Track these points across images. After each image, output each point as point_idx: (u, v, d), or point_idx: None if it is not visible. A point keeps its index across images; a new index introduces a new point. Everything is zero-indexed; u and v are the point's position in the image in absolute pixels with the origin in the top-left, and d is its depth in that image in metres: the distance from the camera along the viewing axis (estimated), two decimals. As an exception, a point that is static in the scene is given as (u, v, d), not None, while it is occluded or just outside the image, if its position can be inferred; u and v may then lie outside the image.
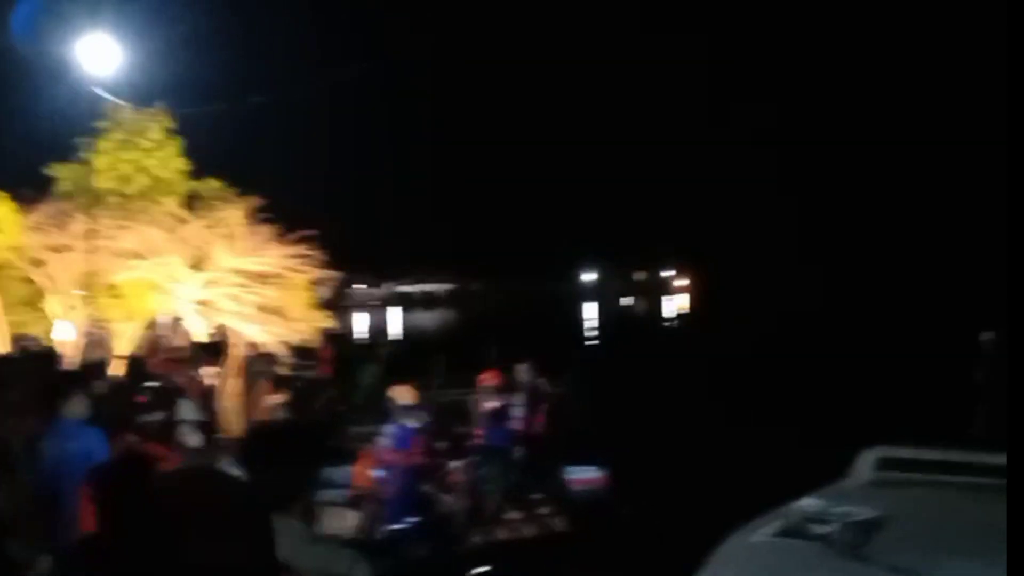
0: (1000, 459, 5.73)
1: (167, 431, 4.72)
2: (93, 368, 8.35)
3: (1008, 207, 3.33)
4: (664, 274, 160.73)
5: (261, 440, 3.05)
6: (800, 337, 35.12)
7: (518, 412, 11.50)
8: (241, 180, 19.97)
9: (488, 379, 11.74)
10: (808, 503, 5.10)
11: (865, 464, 5.73)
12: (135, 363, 11.05)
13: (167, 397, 4.86)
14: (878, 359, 24.10)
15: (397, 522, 9.66)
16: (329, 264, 20.04)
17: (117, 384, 7.33)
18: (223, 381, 18.32)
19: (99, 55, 15.94)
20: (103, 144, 18.45)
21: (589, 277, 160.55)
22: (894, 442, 5.94)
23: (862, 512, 4.76)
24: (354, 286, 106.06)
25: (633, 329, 59.78)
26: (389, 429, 9.78)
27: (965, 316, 19.18)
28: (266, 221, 19.35)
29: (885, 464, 5.70)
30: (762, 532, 4.81)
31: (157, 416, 4.55)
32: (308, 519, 2.97)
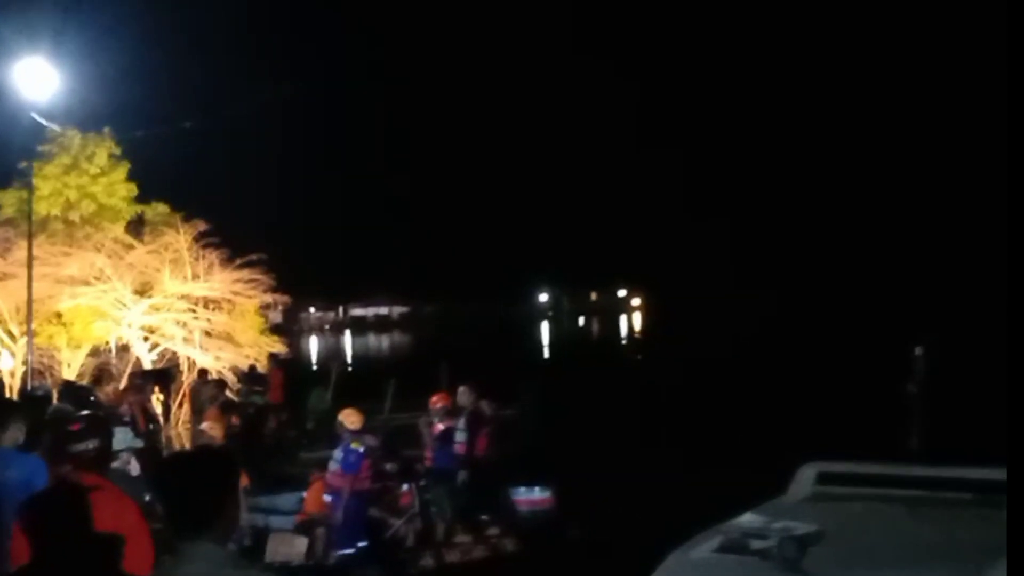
0: (933, 471, 5.87)
1: (101, 459, 4.64)
2: (34, 396, 8.20)
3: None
4: (619, 294, 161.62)
5: (172, 467, 3.06)
6: (744, 357, 35.54)
7: (460, 436, 11.46)
8: (187, 205, 19.88)
9: (438, 401, 11.70)
10: (747, 519, 5.17)
11: (804, 479, 5.81)
12: (72, 390, 10.83)
13: (101, 425, 4.78)
14: (816, 376, 24.47)
15: (347, 547, 9.59)
16: (278, 289, 20.00)
17: (54, 411, 7.21)
18: (172, 408, 18.15)
19: (38, 80, 15.70)
20: (48, 169, 18.24)
21: (544, 298, 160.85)
22: (832, 457, 6.04)
23: (800, 527, 4.83)
24: (309, 310, 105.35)
25: (586, 350, 59.99)
26: (338, 453, 9.72)
27: (897, 331, 19.64)
28: (213, 246, 19.27)
29: (823, 479, 5.79)
30: (703, 548, 4.87)
31: (91, 444, 4.47)
32: (224, 543, 2.96)
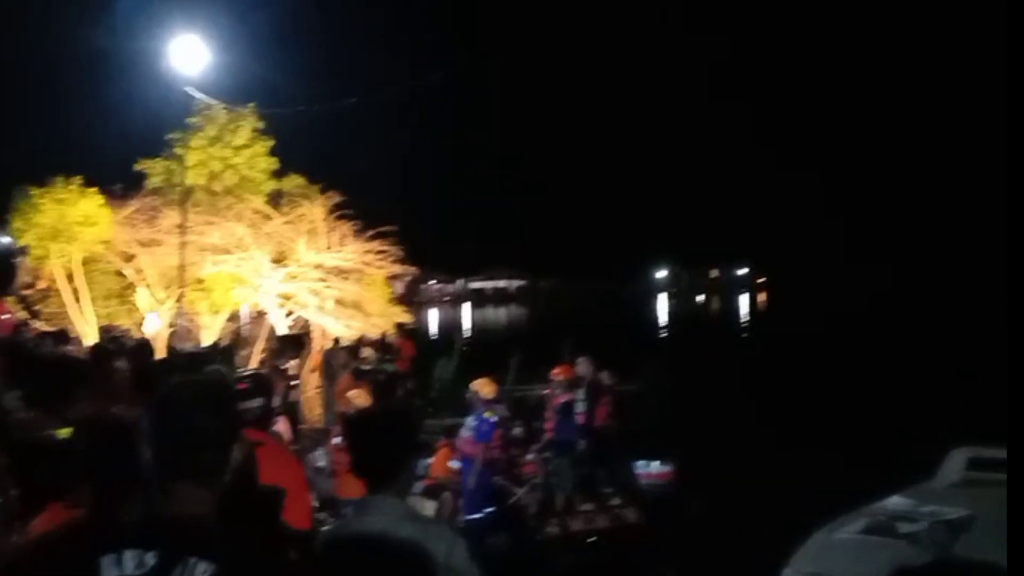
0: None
1: (265, 417, 4.88)
2: (194, 355, 8.67)
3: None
4: (739, 272, 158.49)
5: (361, 424, 3.19)
6: (876, 336, 34.43)
7: (580, 406, 11.55)
8: (322, 177, 20.46)
9: (560, 374, 11.81)
10: (895, 502, 5.08)
11: (954, 464, 5.66)
12: (226, 352, 11.40)
13: (266, 384, 5.01)
14: (959, 352, 23.49)
15: (474, 512, 9.79)
16: (405, 260, 20.41)
17: (211, 372, 7.60)
18: (305, 373, 18.80)
19: (190, 56, 16.48)
20: (195, 141, 19.08)
21: (662, 274, 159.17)
22: (982, 442, 5.85)
23: (950, 512, 4.73)
24: (429, 282, 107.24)
25: (707, 326, 59.19)
26: (471, 421, 9.90)
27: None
28: (345, 218, 19.80)
29: (974, 464, 5.62)
30: (848, 529, 4.81)
31: (257, 402, 4.70)
32: (404, 498, 3.09)
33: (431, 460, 10.76)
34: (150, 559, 2.06)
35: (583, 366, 11.97)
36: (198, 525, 2.14)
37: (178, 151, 18.53)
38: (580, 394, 11.61)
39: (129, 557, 2.07)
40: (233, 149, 19.13)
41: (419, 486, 10.54)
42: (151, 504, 2.12)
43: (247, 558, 2.10)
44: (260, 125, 19.50)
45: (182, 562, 2.06)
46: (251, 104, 19.45)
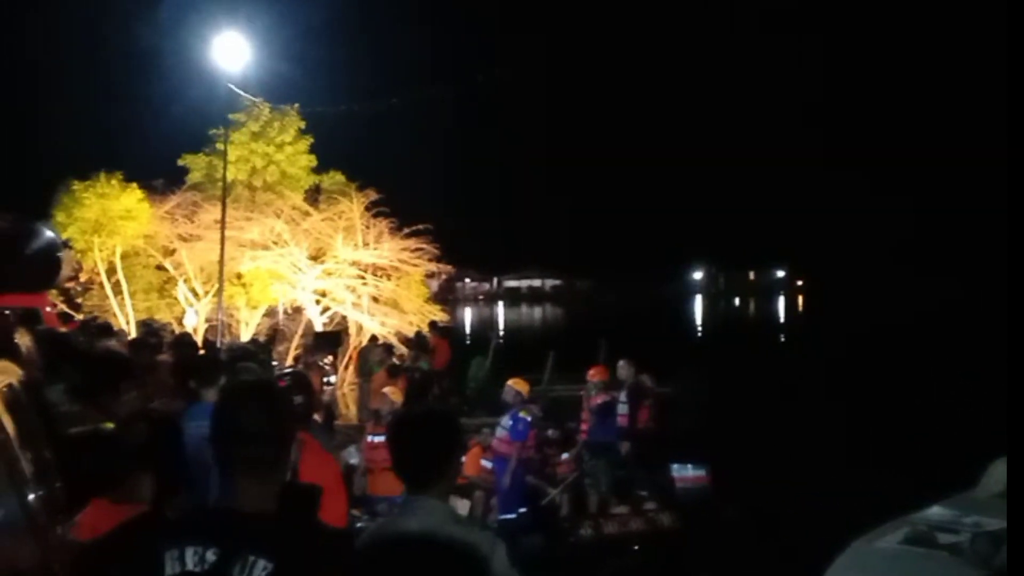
0: None
1: (305, 415, 4.92)
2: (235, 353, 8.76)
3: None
4: (778, 274, 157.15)
5: (406, 424, 3.20)
6: (915, 343, 33.98)
7: (622, 408, 11.49)
8: (360, 174, 20.64)
9: (596, 375, 11.75)
10: (936, 512, 5.00)
11: (996, 474, 5.55)
12: (264, 347, 11.50)
13: (306, 382, 5.05)
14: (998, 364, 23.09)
15: (508, 512, 9.78)
16: (441, 258, 20.53)
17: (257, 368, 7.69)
18: (341, 369, 18.93)
19: (233, 53, 16.68)
20: (237, 136, 19.31)
21: (698, 276, 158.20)
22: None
23: (993, 523, 4.64)
24: (464, 281, 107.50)
25: (744, 330, 58.76)
26: (506, 420, 9.89)
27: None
28: (382, 215, 19.96)
29: (1018, 475, 5.52)
30: (889, 539, 4.74)
31: (297, 399, 4.74)
32: (446, 500, 3.09)
33: (464, 458, 10.76)
34: (211, 555, 2.09)
35: (624, 369, 11.90)
36: (258, 522, 2.16)
37: (219, 145, 18.76)
38: (622, 396, 11.54)
39: (190, 553, 2.10)
40: (275, 146, 19.33)
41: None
42: (209, 499, 2.15)
43: (305, 556, 2.12)
44: (303, 124, 19.72)
45: (242, 559, 2.08)
46: (296, 104, 19.67)
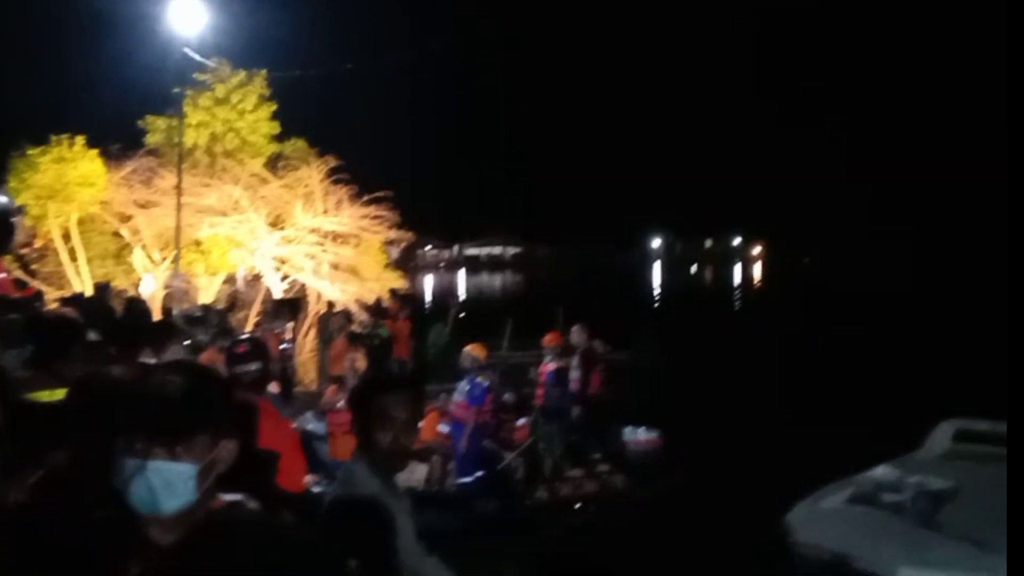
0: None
1: (261, 381, 4.92)
2: (192, 318, 8.70)
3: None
4: (734, 242, 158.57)
5: (370, 387, 3.22)
6: (869, 309, 34.54)
7: (574, 374, 11.60)
8: (320, 140, 20.43)
9: (551, 341, 11.84)
10: (882, 472, 5.15)
11: (941, 436, 5.72)
12: (222, 314, 11.44)
13: (263, 349, 5.05)
14: (953, 334, 23.61)
15: (464, 476, 9.87)
16: (401, 225, 20.42)
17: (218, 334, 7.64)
18: (301, 336, 18.86)
19: (189, 15, 16.35)
20: (202, 100, 19.00)
21: (657, 244, 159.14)
22: (970, 415, 5.92)
23: (935, 482, 4.79)
24: (424, 248, 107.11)
25: (701, 298, 59.28)
26: (463, 385, 9.96)
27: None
28: (342, 182, 19.79)
29: (961, 436, 5.69)
30: (834, 498, 4.88)
31: (254, 365, 4.74)
32: (381, 469, 3.05)
33: (421, 423, 10.83)
34: None
35: (577, 334, 11.99)
36: None
37: (187, 108, 18.41)
38: (574, 362, 11.64)
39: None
40: (237, 112, 19.07)
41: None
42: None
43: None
44: (267, 92, 19.47)
45: None
46: (263, 71, 19.39)
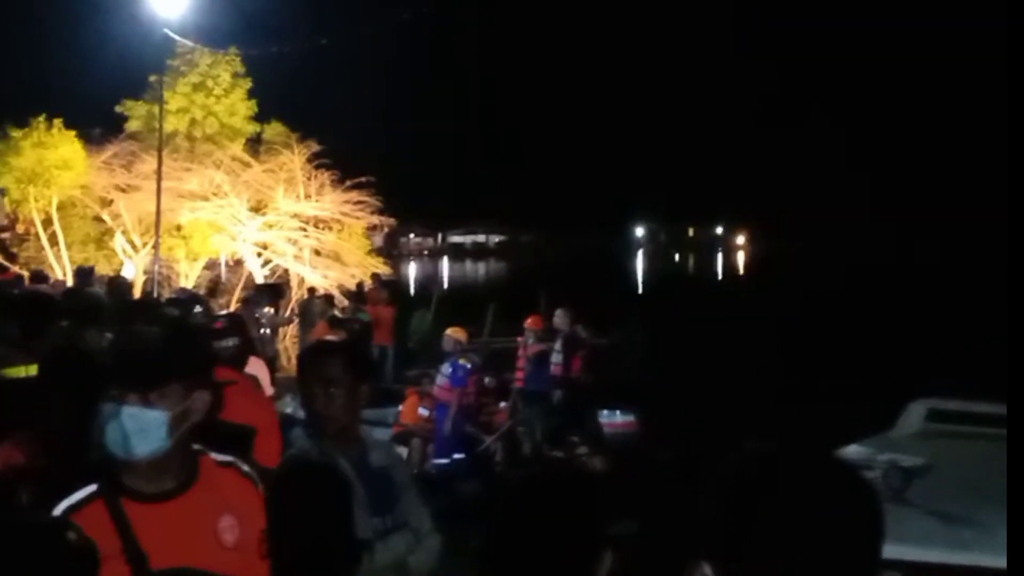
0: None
1: (240, 357, 4.92)
2: (179, 301, 8.67)
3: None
4: (717, 230, 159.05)
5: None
6: (853, 291, 34.76)
7: (556, 358, 11.63)
8: (300, 123, 20.34)
9: (533, 324, 11.87)
10: (854, 450, 5.18)
11: (914, 415, 5.77)
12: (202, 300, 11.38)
13: (241, 324, 5.05)
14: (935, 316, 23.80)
15: (445, 458, 9.90)
16: (384, 212, 20.41)
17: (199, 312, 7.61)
18: (282, 321, 18.84)
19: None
20: (179, 86, 18.87)
21: (640, 231, 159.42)
22: (945, 394, 5.97)
23: (906, 459, 4.83)
24: (409, 236, 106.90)
25: (684, 284, 59.46)
26: (446, 368, 9.97)
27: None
28: (324, 167, 19.74)
29: (934, 416, 5.73)
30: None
31: (231, 342, 4.73)
32: (320, 436, 3.07)
33: (401, 407, 10.85)
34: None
35: (559, 318, 12.01)
36: None
37: (166, 95, 18.31)
38: (556, 345, 11.67)
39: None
40: (214, 96, 18.97)
41: (389, 433, 10.63)
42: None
43: None
44: (241, 69, 19.32)
45: None
46: (232, 48, 19.26)
